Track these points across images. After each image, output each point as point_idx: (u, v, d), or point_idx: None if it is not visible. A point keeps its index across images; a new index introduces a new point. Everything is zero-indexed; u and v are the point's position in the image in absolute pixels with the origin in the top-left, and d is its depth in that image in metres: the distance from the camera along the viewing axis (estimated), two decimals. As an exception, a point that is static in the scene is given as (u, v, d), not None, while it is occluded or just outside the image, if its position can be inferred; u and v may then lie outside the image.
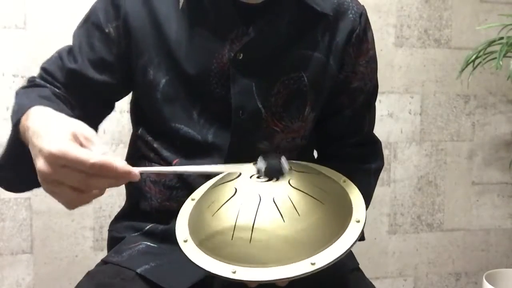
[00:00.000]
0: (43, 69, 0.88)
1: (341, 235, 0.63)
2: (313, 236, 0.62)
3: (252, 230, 0.62)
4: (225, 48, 0.82)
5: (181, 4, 0.83)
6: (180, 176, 0.85)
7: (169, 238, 0.84)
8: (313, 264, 0.60)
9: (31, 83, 0.85)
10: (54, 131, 0.60)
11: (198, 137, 0.84)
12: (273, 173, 0.68)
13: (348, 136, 0.95)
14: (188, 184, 0.84)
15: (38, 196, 1.55)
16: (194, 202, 0.73)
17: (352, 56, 0.89)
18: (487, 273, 1.62)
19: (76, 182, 0.58)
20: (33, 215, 1.55)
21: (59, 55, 0.88)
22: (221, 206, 0.65)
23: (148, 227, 0.87)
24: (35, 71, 1.51)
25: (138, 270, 0.80)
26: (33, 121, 0.64)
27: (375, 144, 1.00)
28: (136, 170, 0.61)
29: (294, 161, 0.77)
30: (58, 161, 0.56)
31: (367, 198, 0.95)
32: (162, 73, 0.83)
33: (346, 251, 0.62)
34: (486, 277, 1.59)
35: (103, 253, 1.01)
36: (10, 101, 1.52)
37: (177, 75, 0.83)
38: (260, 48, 0.83)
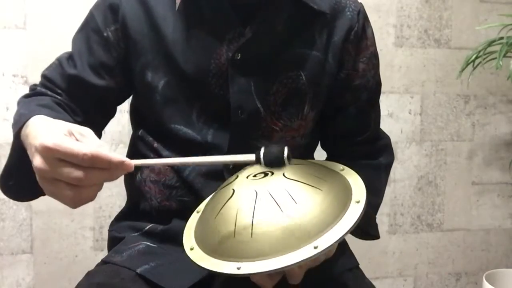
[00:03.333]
0: (44, 76, 0.88)
1: (341, 217, 0.63)
2: (313, 222, 0.62)
3: (252, 226, 0.62)
4: (222, 48, 0.82)
5: (177, 5, 0.83)
6: (179, 175, 0.85)
7: (169, 238, 0.84)
8: (316, 247, 0.60)
9: (33, 91, 0.86)
10: (49, 129, 0.61)
11: (198, 137, 0.84)
12: (272, 161, 0.67)
13: (355, 134, 0.94)
14: (187, 183, 0.84)
15: (38, 196, 1.55)
16: (199, 214, 0.74)
17: (352, 54, 0.89)
18: (487, 273, 1.62)
19: (71, 176, 0.57)
20: (33, 215, 1.55)
21: (59, 62, 0.88)
22: (221, 208, 0.66)
23: (148, 227, 0.87)
24: (35, 71, 1.52)
25: (138, 270, 0.80)
26: (32, 127, 0.66)
27: (384, 140, 0.98)
28: (132, 161, 0.61)
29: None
30: (52, 154, 0.57)
31: (379, 193, 0.94)
32: (161, 74, 0.84)
33: (348, 230, 0.61)
34: (486, 277, 1.59)
35: (103, 253, 1.01)
36: (10, 101, 1.53)
37: (176, 77, 0.83)
38: (257, 48, 0.83)
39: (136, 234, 0.88)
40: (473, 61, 1.54)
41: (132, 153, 0.94)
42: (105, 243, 1.01)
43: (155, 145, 0.87)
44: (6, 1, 1.48)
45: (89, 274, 0.84)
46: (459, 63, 1.75)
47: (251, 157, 0.68)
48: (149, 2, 0.84)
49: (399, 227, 1.85)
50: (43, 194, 0.67)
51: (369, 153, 0.95)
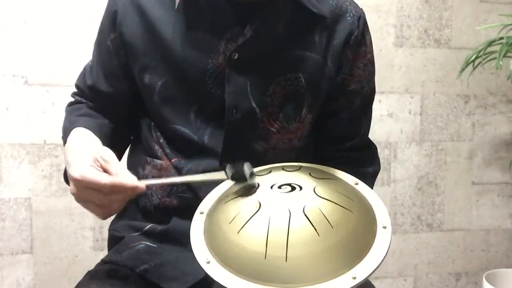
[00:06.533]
0: (76, 86, 0.96)
1: (372, 243, 0.62)
2: (348, 248, 0.61)
3: (287, 247, 0.59)
4: (220, 47, 0.82)
5: (176, 4, 0.83)
6: (179, 172, 0.85)
7: (169, 238, 0.84)
8: (354, 278, 0.58)
9: (73, 101, 0.96)
10: (78, 159, 0.72)
11: (195, 137, 0.84)
12: (237, 179, 0.70)
13: (345, 139, 0.95)
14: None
15: (38, 196, 1.55)
16: (204, 216, 0.71)
17: (350, 59, 0.89)
18: (487, 273, 1.62)
19: (97, 199, 0.69)
20: (33, 215, 1.55)
21: (84, 71, 0.95)
22: (247, 222, 0.62)
23: (147, 227, 0.87)
24: (35, 71, 1.52)
25: (138, 270, 0.80)
26: (67, 150, 0.79)
27: (372, 148, 1.00)
28: (142, 183, 0.70)
29: (308, 165, 0.76)
30: (81, 184, 0.68)
31: None
32: (158, 75, 0.84)
33: (382, 260, 0.60)
34: (486, 277, 1.59)
35: (103, 253, 1.01)
36: (10, 101, 1.53)
37: (174, 76, 0.84)
38: (255, 48, 0.83)
39: (136, 233, 0.88)
40: (473, 61, 1.54)
41: (136, 139, 0.94)
42: (105, 243, 1.01)
43: (161, 140, 0.88)
44: (6, 1, 1.48)
45: (89, 274, 0.84)
46: (459, 63, 1.75)
47: (221, 174, 0.71)
48: (144, 5, 0.84)
49: (399, 227, 1.85)
50: None
51: (357, 160, 0.95)
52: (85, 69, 0.95)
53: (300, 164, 0.75)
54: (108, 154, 0.72)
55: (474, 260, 1.93)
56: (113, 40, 0.87)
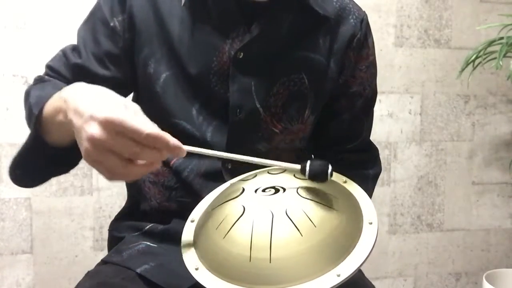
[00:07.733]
0: (49, 67, 0.88)
1: (357, 240, 0.62)
2: (332, 246, 0.61)
3: (270, 249, 0.60)
4: (225, 46, 0.82)
5: (183, 1, 0.83)
6: (178, 176, 0.85)
7: (169, 238, 0.84)
8: (338, 275, 0.58)
9: (39, 81, 0.85)
10: (107, 99, 0.60)
11: (197, 133, 0.84)
12: (317, 175, 0.65)
13: (346, 141, 0.95)
14: (186, 184, 0.84)
15: (38, 196, 1.55)
16: (194, 224, 0.71)
17: (352, 61, 0.89)
18: (487, 273, 1.62)
19: (130, 150, 0.57)
20: (33, 215, 1.55)
21: (63, 53, 0.88)
22: (232, 227, 0.63)
23: (148, 227, 0.87)
24: (35, 71, 1.51)
25: (138, 270, 0.80)
26: (71, 93, 0.64)
27: (373, 151, 1.01)
28: (185, 147, 0.61)
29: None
30: (115, 128, 0.56)
31: None
32: (163, 67, 0.83)
33: (367, 256, 0.60)
34: (486, 277, 1.59)
35: (103, 253, 1.01)
36: (10, 101, 1.53)
37: (178, 71, 0.83)
38: (260, 48, 0.83)
39: (136, 233, 0.88)
40: (473, 61, 1.54)
41: None
42: (105, 243, 1.01)
43: None
44: (6, 1, 1.48)
45: (89, 274, 0.84)
46: (459, 63, 1.75)
47: (297, 167, 0.66)
48: None
49: (399, 227, 1.85)
50: (46, 180, 0.78)
51: (359, 162, 0.95)
52: (63, 51, 0.88)
53: None
54: (137, 106, 0.61)
55: (474, 260, 1.93)
56: (120, 22, 0.84)
